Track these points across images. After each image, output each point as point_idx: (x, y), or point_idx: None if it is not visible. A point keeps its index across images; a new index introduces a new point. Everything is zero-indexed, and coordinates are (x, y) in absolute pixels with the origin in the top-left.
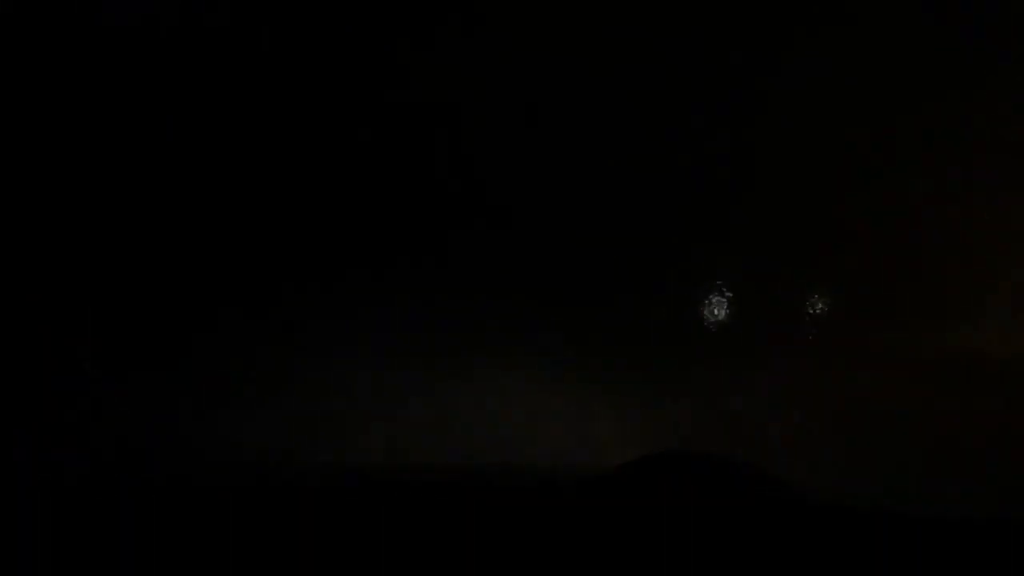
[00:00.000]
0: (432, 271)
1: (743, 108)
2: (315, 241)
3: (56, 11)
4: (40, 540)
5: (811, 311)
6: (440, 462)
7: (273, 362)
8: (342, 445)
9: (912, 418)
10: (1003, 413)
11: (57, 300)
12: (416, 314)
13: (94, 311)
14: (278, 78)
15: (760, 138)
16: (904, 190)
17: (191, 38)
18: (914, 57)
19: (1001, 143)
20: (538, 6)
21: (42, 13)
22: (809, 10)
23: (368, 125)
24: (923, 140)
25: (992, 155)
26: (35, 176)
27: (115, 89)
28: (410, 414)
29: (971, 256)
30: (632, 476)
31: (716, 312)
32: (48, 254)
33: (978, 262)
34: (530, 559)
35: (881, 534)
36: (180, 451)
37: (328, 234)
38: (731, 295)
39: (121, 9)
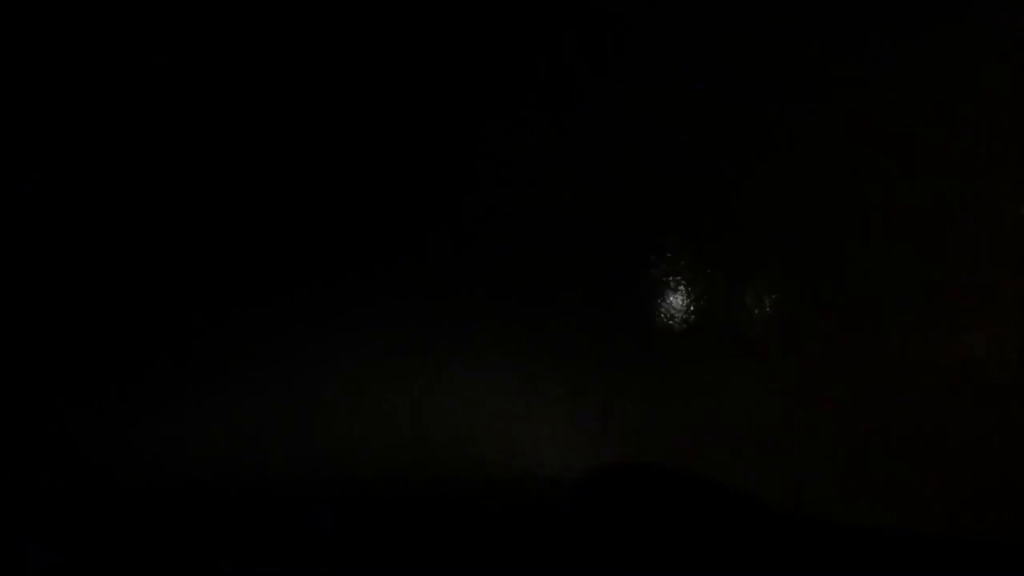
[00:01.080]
0: (416, 271)
1: (744, 108)
2: (307, 240)
3: (55, 9)
4: (38, 540)
5: (802, 314)
6: (400, 462)
7: (246, 362)
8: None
9: (907, 429)
10: (997, 426)
11: (54, 299)
12: (391, 313)
13: (88, 309)
14: (276, 77)
15: (759, 138)
16: (900, 191)
17: (189, 37)
18: (915, 56)
19: (1004, 143)
20: (541, 6)
21: (41, 12)
22: (812, 11)
23: (366, 124)
24: (923, 140)
25: (994, 156)
26: (32, 175)
27: (113, 87)
28: (371, 412)
29: (968, 261)
30: (592, 488)
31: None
32: (46, 253)
33: (976, 268)
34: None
35: (866, 553)
36: (175, 450)
37: (322, 233)
38: (718, 297)
39: (121, 8)
